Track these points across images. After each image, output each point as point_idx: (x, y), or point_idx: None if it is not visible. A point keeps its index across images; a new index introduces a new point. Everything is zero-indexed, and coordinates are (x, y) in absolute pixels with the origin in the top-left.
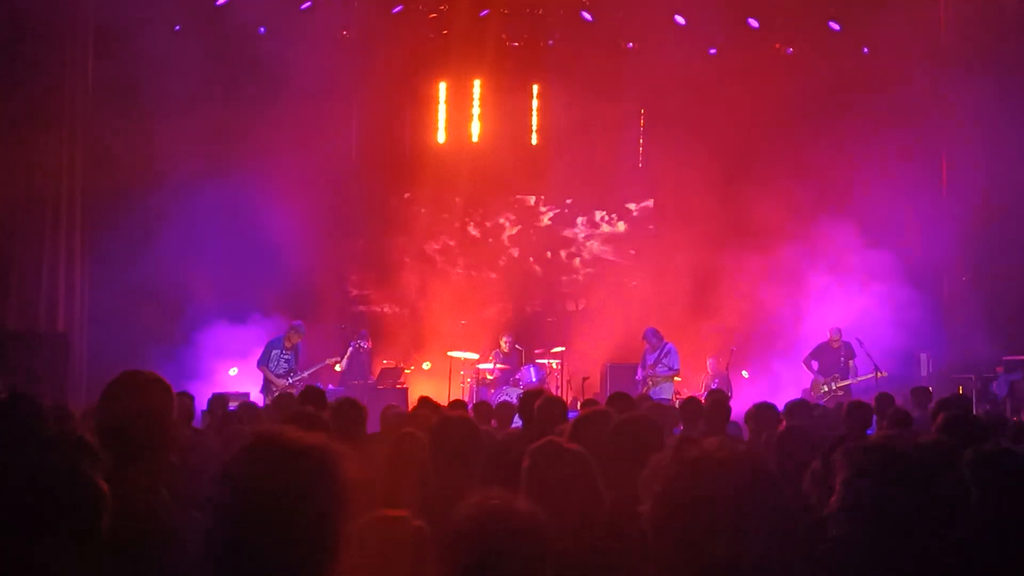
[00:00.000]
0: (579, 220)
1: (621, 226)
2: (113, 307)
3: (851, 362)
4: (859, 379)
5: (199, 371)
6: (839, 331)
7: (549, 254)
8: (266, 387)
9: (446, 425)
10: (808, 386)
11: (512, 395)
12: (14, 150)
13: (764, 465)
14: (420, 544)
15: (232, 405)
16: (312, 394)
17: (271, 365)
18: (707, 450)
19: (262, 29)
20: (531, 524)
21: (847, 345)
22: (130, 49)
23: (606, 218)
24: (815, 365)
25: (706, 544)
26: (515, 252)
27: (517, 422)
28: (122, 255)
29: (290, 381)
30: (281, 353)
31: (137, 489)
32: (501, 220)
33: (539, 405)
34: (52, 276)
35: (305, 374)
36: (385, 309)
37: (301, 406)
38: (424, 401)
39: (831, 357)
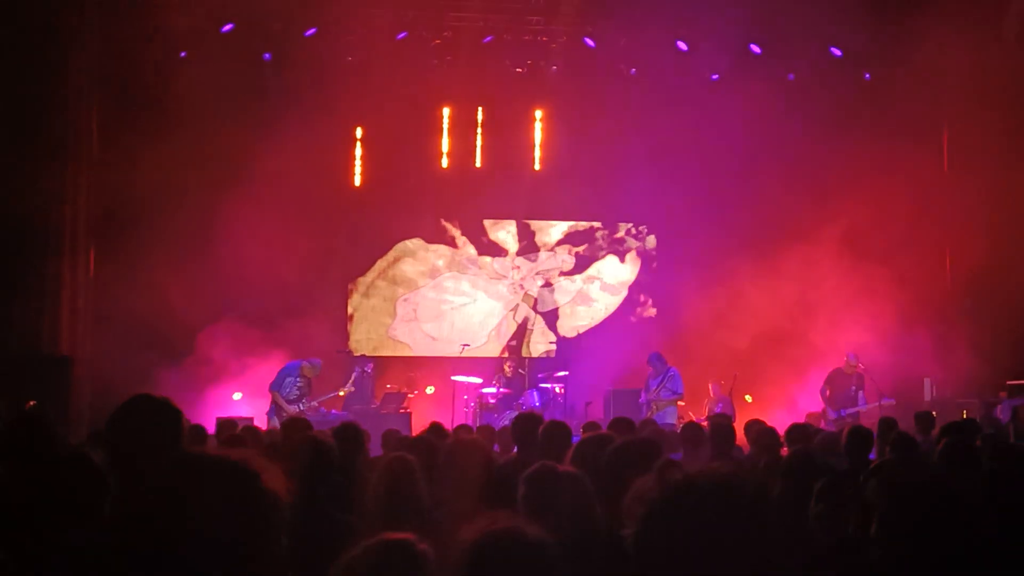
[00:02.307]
0: (582, 244)
1: (623, 248)
2: (116, 331)
3: (861, 392)
4: (866, 408)
5: (203, 396)
6: (855, 357)
7: (551, 278)
8: (275, 410)
9: (459, 449)
10: (813, 411)
11: None
12: (18, 173)
13: (750, 489)
14: (425, 567)
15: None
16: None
17: (283, 391)
18: (691, 474)
19: (267, 56)
20: (539, 548)
21: (859, 375)
22: (136, 75)
23: (609, 242)
24: (828, 393)
25: (689, 568)
26: (517, 276)
27: None
28: (126, 279)
29: (300, 407)
30: (295, 380)
31: (143, 511)
32: (503, 245)
33: (544, 430)
34: (55, 299)
35: (315, 403)
36: (387, 332)
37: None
38: (434, 427)
39: (843, 385)
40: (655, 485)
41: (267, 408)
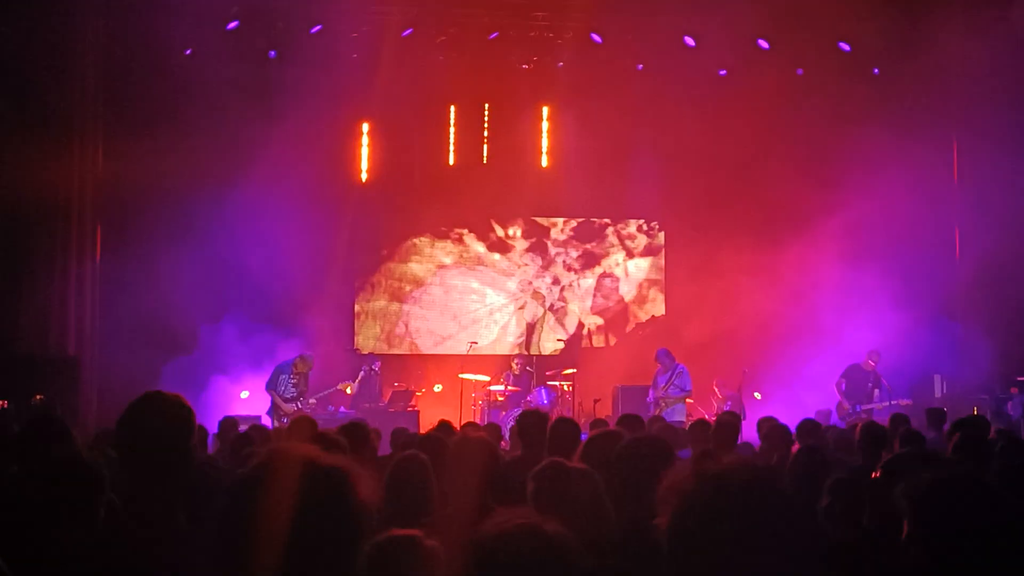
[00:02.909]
0: (589, 241)
1: (631, 246)
2: (123, 330)
3: (876, 390)
4: (880, 405)
5: (210, 395)
6: (876, 353)
7: (559, 275)
8: (273, 410)
9: (466, 446)
10: (822, 408)
11: None
12: (25, 173)
13: (782, 484)
14: (434, 564)
15: (242, 428)
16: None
17: (279, 389)
18: (727, 466)
19: (272, 53)
20: (559, 544)
21: (877, 372)
22: (142, 72)
23: (616, 238)
24: (844, 386)
25: (723, 559)
26: (526, 273)
27: None
28: (133, 278)
29: (298, 406)
30: (289, 378)
31: (154, 510)
32: (511, 242)
33: (553, 427)
34: (62, 299)
35: (313, 400)
36: (395, 330)
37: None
38: (443, 425)
39: (860, 380)
40: (691, 476)
41: (267, 409)
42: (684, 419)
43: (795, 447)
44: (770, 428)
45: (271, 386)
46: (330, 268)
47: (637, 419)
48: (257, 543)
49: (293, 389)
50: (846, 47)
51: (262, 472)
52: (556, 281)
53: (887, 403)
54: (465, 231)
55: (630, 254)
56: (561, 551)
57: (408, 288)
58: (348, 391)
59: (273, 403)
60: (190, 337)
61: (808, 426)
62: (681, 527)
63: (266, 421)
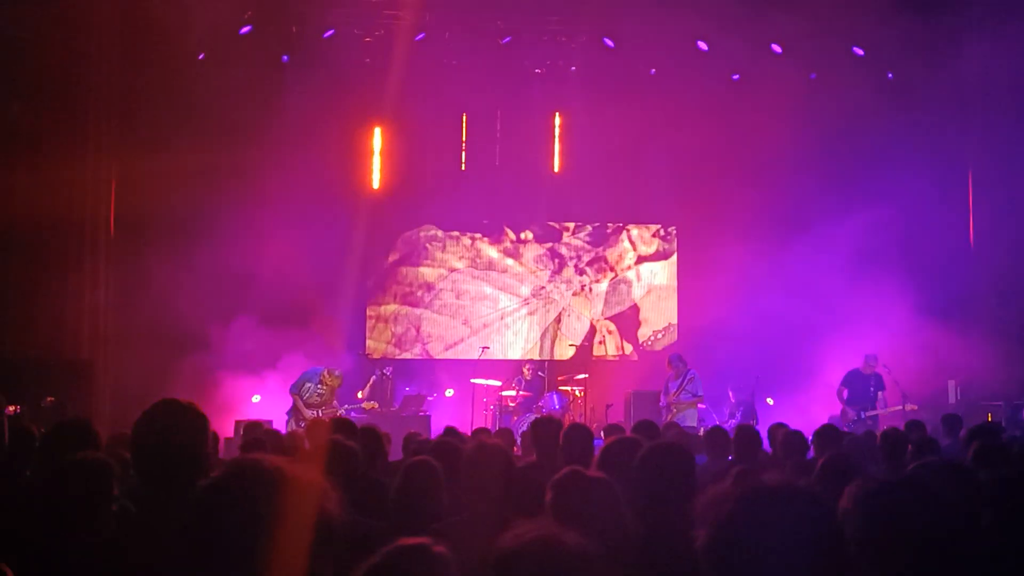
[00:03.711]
0: (602, 245)
1: (645, 251)
2: (137, 334)
3: (880, 393)
4: (888, 411)
5: (223, 399)
6: (874, 357)
7: (572, 280)
8: (293, 413)
9: (481, 452)
10: (835, 414)
11: None
12: (39, 179)
13: (826, 502)
14: (445, 570)
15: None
16: (342, 424)
17: (304, 395)
18: (769, 483)
19: (285, 58)
20: (581, 556)
21: (878, 375)
22: (155, 76)
23: (629, 242)
24: (846, 394)
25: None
26: (537, 278)
27: None
28: (146, 282)
29: (319, 413)
30: (316, 387)
31: (166, 516)
32: (523, 247)
33: (566, 433)
34: (76, 303)
35: (334, 410)
36: (407, 334)
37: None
38: (449, 430)
39: (861, 385)
40: (732, 491)
41: (287, 409)
42: (696, 424)
43: (810, 453)
44: (784, 435)
45: (295, 389)
46: (342, 273)
47: (653, 426)
48: (218, 553)
49: (317, 398)
50: (860, 51)
51: (225, 482)
52: (568, 286)
53: (895, 408)
54: (478, 236)
55: (643, 258)
56: (582, 564)
57: (420, 293)
58: (360, 396)
59: (294, 405)
60: (203, 341)
61: (829, 432)
62: (720, 543)
63: (281, 421)
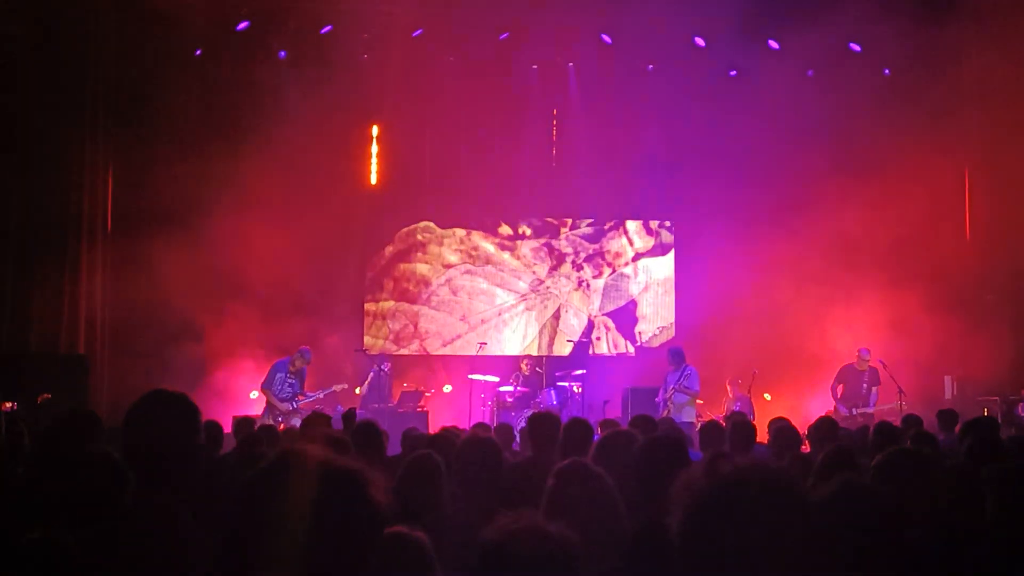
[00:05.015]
0: (599, 241)
1: (642, 246)
2: (133, 330)
3: (874, 389)
4: (882, 407)
5: (220, 394)
6: (868, 353)
7: (569, 275)
8: (268, 410)
9: (470, 446)
10: (828, 409)
11: None
12: (37, 174)
13: (799, 486)
14: (422, 556)
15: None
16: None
17: (275, 388)
18: (742, 466)
19: (282, 53)
20: (563, 546)
21: (872, 371)
22: (152, 72)
23: (627, 238)
24: (840, 390)
25: (735, 561)
26: (535, 273)
27: None
28: (142, 278)
29: (294, 406)
30: (286, 377)
31: (161, 511)
32: (521, 242)
33: (567, 428)
34: (73, 299)
35: (309, 399)
36: (405, 330)
37: (324, 429)
38: (446, 429)
39: (855, 382)
40: (704, 476)
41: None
42: (694, 420)
43: (805, 448)
44: (780, 429)
45: (267, 385)
46: (339, 269)
47: (650, 420)
48: (269, 545)
49: (289, 389)
50: (857, 48)
51: (275, 473)
52: (566, 281)
53: (890, 404)
54: (475, 232)
55: (640, 254)
56: (566, 554)
57: (417, 289)
58: (357, 391)
59: (268, 402)
60: (199, 337)
61: (827, 425)
62: (693, 527)
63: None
